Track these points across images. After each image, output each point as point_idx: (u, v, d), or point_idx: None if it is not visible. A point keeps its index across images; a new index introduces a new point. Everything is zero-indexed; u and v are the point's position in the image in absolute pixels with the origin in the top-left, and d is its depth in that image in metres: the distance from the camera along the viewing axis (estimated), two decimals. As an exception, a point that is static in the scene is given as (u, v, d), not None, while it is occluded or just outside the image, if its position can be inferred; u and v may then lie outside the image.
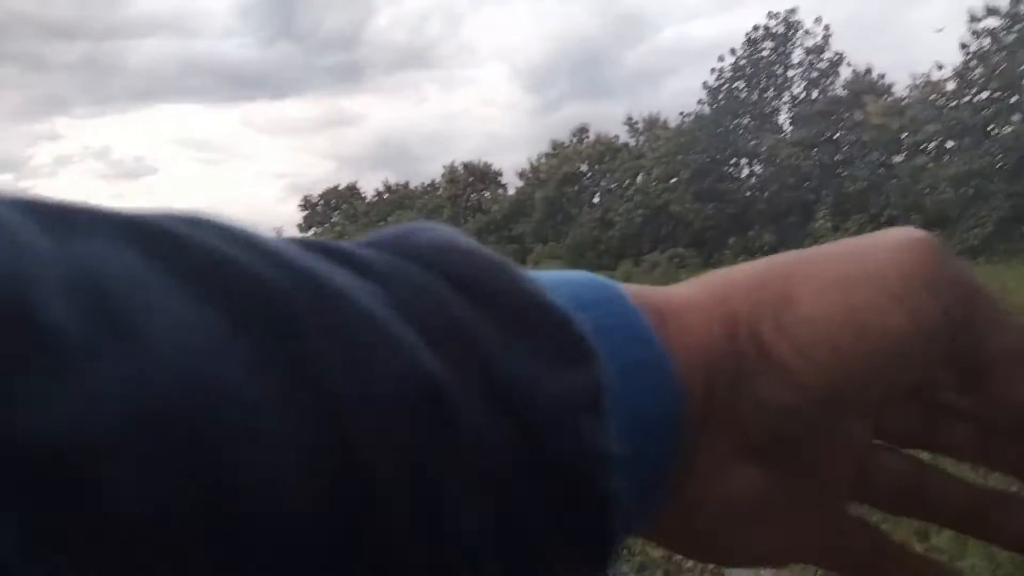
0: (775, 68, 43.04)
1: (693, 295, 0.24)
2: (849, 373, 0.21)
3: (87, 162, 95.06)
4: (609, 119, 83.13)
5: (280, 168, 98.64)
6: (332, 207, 62.00)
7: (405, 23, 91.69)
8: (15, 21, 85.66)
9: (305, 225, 62.57)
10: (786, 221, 36.88)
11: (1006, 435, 0.25)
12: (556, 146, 53.15)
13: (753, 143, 41.96)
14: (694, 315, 0.23)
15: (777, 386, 0.22)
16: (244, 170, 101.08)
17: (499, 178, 58.10)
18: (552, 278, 0.22)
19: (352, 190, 61.71)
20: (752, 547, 0.24)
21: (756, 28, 43.58)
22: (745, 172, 43.75)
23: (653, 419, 0.21)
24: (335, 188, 62.50)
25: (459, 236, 0.20)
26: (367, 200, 60.17)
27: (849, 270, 0.21)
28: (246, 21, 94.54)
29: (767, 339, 0.22)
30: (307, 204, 62.81)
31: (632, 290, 0.23)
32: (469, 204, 55.73)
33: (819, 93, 41.62)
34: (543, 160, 52.83)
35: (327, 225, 61.20)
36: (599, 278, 0.23)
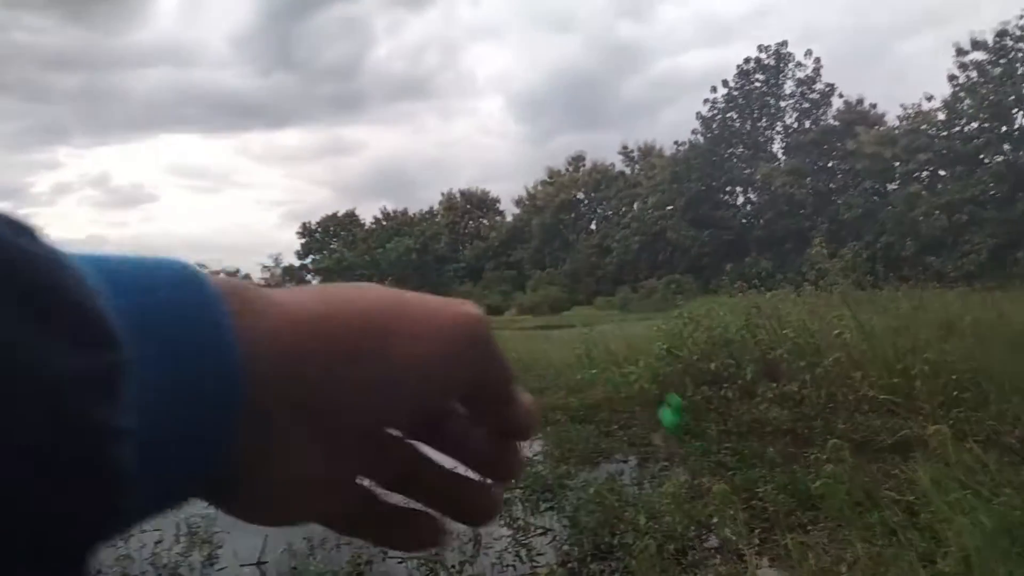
0: (767, 99, 43.54)
1: (296, 301, 0.28)
2: (417, 394, 0.29)
3: (85, 190, 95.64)
4: (604, 148, 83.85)
5: (278, 196, 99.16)
6: (331, 234, 62.13)
7: (403, 54, 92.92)
8: (16, 52, 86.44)
9: (304, 251, 62.68)
10: (782, 248, 37.08)
11: (493, 444, 0.34)
12: (553, 174, 53.55)
13: (747, 172, 42.28)
14: (288, 316, 0.27)
15: (371, 391, 0.28)
16: (242, 198, 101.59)
17: (497, 205, 58.41)
18: (125, 263, 0.24)
19: (351, 217, 61.87)
20: (301, 512, 0.29)
21: (747, 60, 44.20)
22: (740, 200, 44.04)
23: (212, 400, 0.24)
24: (334, 215, 62.63)
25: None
26: (366, 227, 60.38)
27: (431, 327, 0.29)
28: (244, 51, 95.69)
29: (372, 353, 0.28)
30: (306, 231, 62.90)
31: (228, 283, 0.26)
32: (467, 231, 55.94)
33: (811, 123, 42.07)
34: (540, 188, 53.18)
35: (326, 252, 61.34)
36: (184, 266, 0.25)
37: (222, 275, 0.24)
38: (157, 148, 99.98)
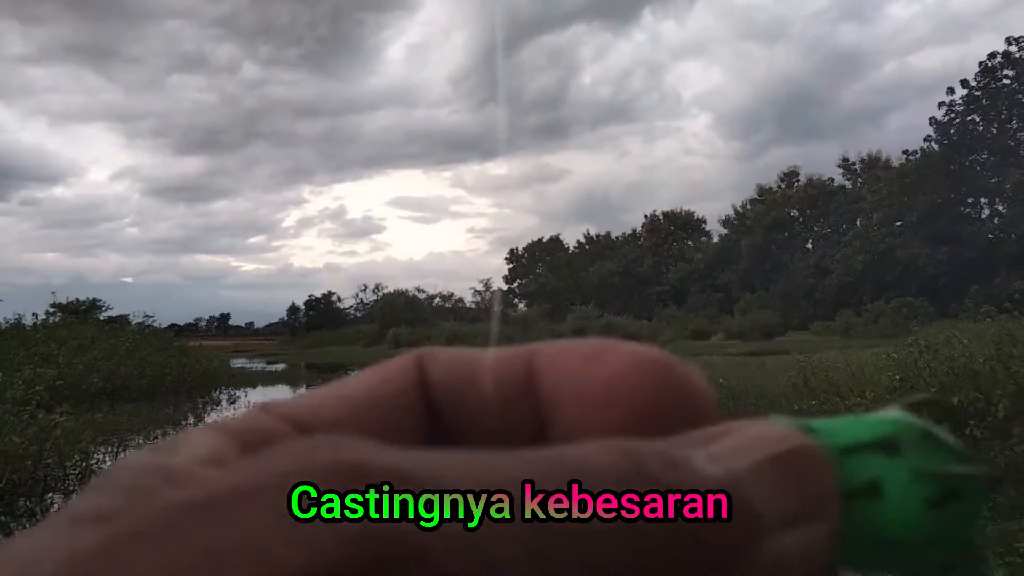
0: (1018, 97, 38.48)
1: None
2: None
3: (325, 223, 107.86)
4: (819, 161, 78.91)
5: (488, 224, 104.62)
6: (536, 259, 64.11)
7: (608, 79, 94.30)
8: (270, 104, 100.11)
9: (511, 276, 65.20)
10: (1041, 266, 32.32)
11: None
12: (763, 191, 51.16)
13: (994, 180, 37.53)
14: None
15: None
16: (456, 227, 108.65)
17: (702, 226, 56.90)
18: None
19: (555, 242, 63.43)
20: None
21: (992, 56, 39.36)
22: (986, 212, 39.17)
23: None
24: (539, 241, 64.61)
25: None
26: (569, 251, 61.59)
27: None
28: (458, 89, 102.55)
29: None
30: (513, 256, 65.48)
31: None
32: (671, 253, 55.01)
33: (1078, 121, 36.59)
34: (749, 206, 51.07)
35: (531, 276, 63.34)
36: None
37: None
38: (384, 183, 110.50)
